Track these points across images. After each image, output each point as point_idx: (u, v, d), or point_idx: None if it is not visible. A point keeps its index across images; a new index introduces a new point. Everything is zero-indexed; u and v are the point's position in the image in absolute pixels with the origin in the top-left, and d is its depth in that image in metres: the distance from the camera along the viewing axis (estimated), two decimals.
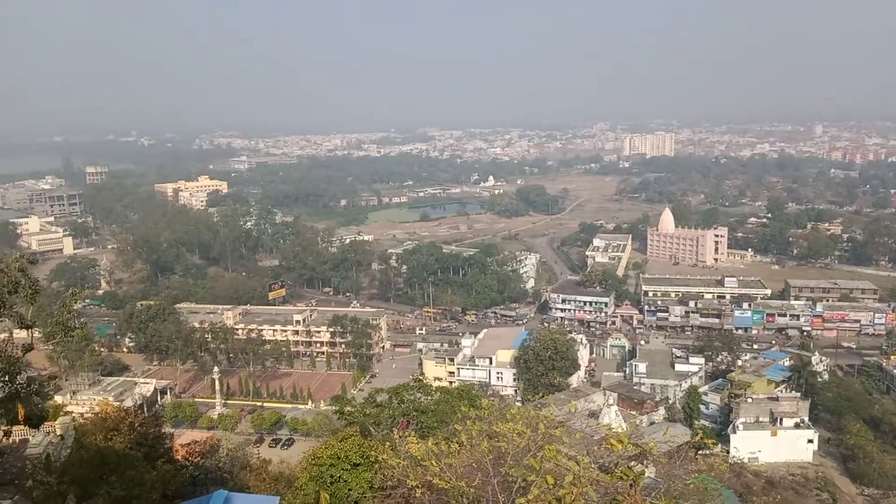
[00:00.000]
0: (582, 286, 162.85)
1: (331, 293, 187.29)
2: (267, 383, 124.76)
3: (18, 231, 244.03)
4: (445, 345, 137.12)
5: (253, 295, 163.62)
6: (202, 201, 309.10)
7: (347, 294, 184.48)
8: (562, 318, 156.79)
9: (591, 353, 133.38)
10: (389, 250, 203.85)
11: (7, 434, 25.54)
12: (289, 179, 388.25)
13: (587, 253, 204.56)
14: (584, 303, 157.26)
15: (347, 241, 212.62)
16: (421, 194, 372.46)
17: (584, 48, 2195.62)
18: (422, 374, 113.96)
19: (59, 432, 32.80)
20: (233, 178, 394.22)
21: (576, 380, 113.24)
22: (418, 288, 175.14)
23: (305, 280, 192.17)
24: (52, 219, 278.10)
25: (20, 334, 24.91)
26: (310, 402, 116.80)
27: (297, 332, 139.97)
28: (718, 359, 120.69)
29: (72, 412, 48.06)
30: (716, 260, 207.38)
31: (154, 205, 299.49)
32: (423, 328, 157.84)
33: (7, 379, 23.75)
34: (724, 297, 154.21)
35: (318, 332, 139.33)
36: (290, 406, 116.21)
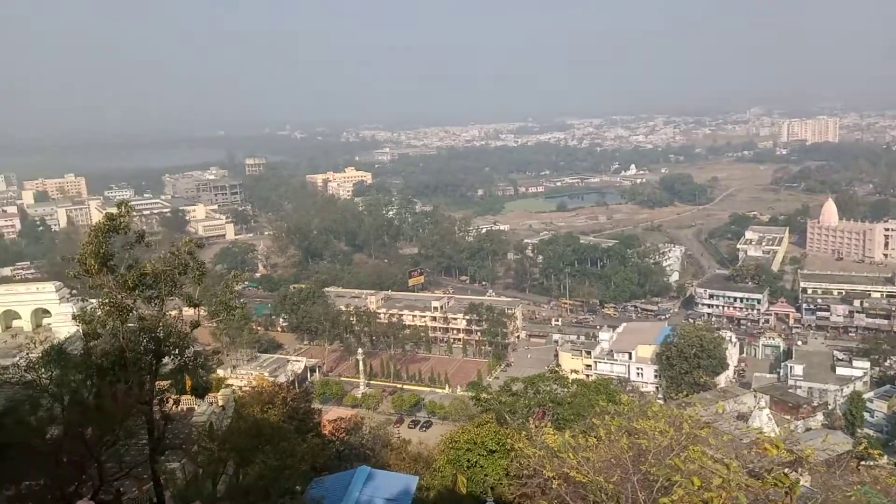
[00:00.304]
0: (732, 281, 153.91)
1: (467, 281, 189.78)
2: (406, 366, 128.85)
3: (187, 217, 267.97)
4: (582, 337, 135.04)
5: (394, 281, 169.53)
6: (348, 191, 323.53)
7: (483, 283, 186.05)
8: (708, 314, 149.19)
9: (741, 352, 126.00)
10: (525, 240, 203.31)
11: (176, 403, 28.01)
12: (428, 170, 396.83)
13: (738, 246, 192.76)
14: (734, 299, 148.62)
15: (484, 230, 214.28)
16: (558, 184, 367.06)
17: (737, 25, 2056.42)
18: (557, 365, 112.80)
19: (220, 403, 35.63)
20: (376, 168, 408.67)
21: (723, 380, 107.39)
22: (554, 279, 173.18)
23: (443, 268, 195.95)
24: (216, 207, 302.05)
25: (188, 312, 27.24)
26: (447, 386, 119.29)
27: (434, 319, 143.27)
28: (886, 363, 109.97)
29: (232, 385, 52.06)
30: (885, 256, 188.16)
31: (305, 194, 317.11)
32: (559, 319, 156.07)
33: (177, 352, 25.96)
34: (894, 297, 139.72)
35: (455, 319, 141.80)
36: (427, 389, 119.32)
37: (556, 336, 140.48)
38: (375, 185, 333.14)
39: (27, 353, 24.38)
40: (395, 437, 65.09)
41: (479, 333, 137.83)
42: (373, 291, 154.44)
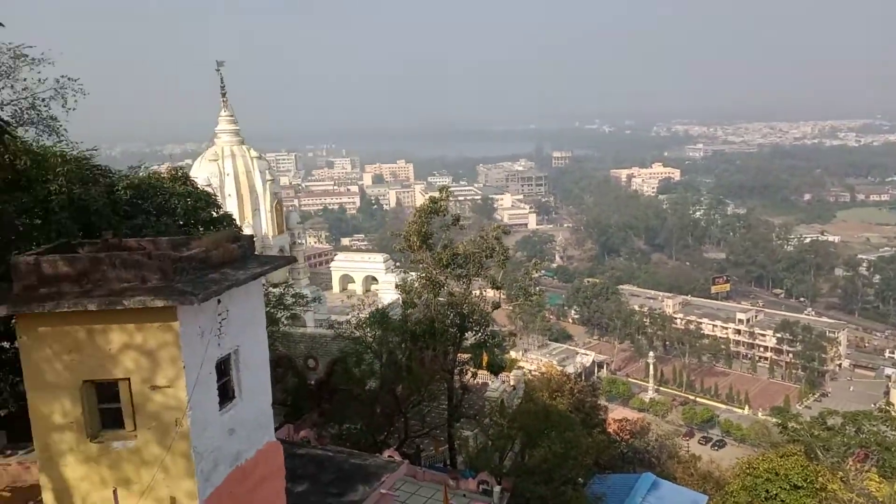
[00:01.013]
0: None
1: (781, 295, 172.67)
2: (701, 378, 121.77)
3: (495, 205, 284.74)
4: None
5: (695, 286, 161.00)
6: (653, 188, 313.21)
7: (801, 299, 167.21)
8: None
9: None
10: (860, 255, 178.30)
11: (474, 375, 30.05)
12: (745, 169, 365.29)
13: None
14: None
15: (807, 240, 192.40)
16: None
17: None
18: (888, 403, 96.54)
19: (512, 383, 37.09)
20: (686, 165, 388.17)
21: None
22: (893, 304, 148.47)
23: (753, 278, 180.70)
24: (521, 196, 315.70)
25: (489, 293, 28.90)
26: (746, 407, 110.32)
27: (738, 332, 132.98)
28: None
29: (523, 368, 54.06)
30: None
31: (608, 189, 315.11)
32: None
33: (478, 329, 27.82)
34: None
35: (763, 335, 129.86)
36: (723, 406, 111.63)
37: (889, 370, 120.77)
38: (683, 183, 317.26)
39: (357, 313, 28.25)
40: (683, 449, 61.74)
41: (790, 355, 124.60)
42: (670, 294, 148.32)
